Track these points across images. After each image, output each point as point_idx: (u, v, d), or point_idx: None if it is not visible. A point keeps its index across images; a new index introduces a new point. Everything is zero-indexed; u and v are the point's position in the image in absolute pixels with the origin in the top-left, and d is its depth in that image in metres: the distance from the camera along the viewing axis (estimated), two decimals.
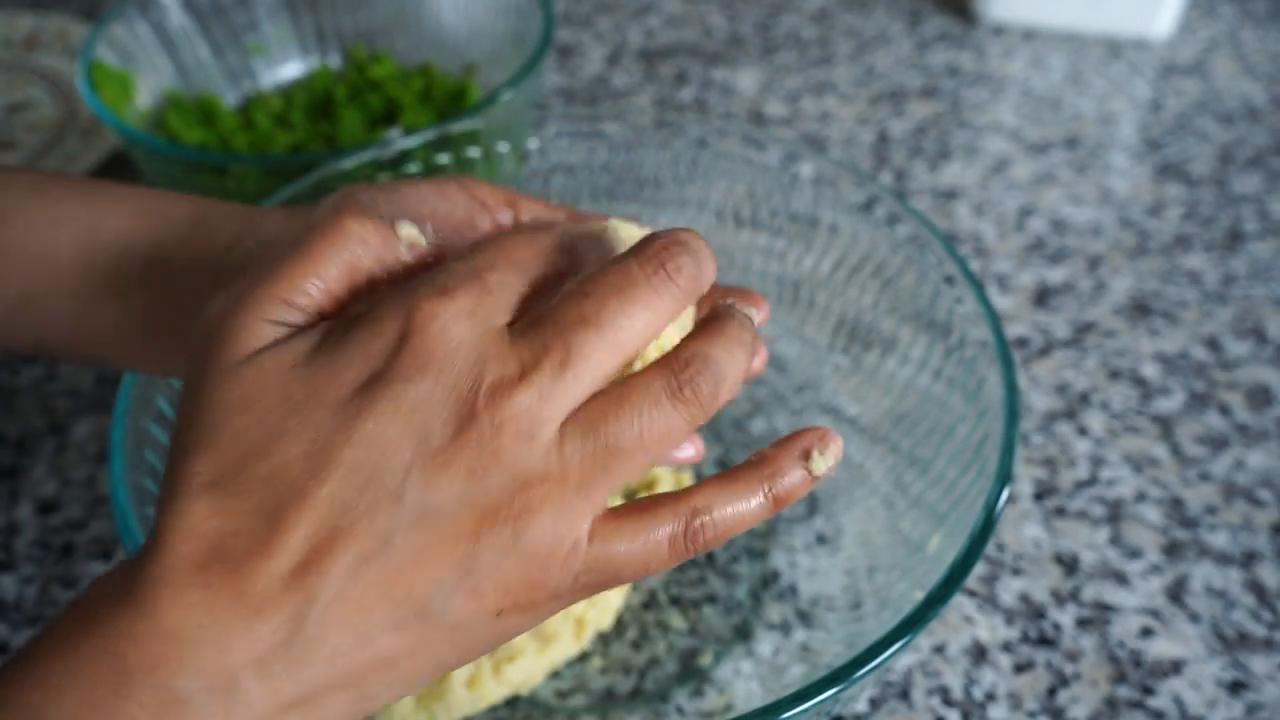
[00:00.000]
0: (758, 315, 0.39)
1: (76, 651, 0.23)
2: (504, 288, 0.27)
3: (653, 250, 0.27)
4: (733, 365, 0.27)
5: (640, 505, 0.27)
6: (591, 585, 0.26)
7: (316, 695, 0.24)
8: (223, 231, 0.36)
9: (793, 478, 0.28)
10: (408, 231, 0.29)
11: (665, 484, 0.51)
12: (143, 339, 0.36)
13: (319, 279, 0.27)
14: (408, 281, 0.27)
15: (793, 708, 0.32)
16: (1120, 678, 0.45)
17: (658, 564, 0.27)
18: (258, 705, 0.23)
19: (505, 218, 0.37)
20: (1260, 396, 0.57)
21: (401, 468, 0.24)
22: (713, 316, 0.29)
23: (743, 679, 0.44)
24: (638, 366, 0.35)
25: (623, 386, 0.26)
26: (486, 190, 0.37)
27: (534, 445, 0.25)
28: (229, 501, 0.24)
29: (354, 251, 0.28)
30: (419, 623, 0.24)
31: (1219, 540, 0.50)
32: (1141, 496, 0.52)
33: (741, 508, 0.27)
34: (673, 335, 0.36)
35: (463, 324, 0.25)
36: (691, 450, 0.37)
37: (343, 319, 0.27)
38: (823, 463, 0.28)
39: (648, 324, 0.27)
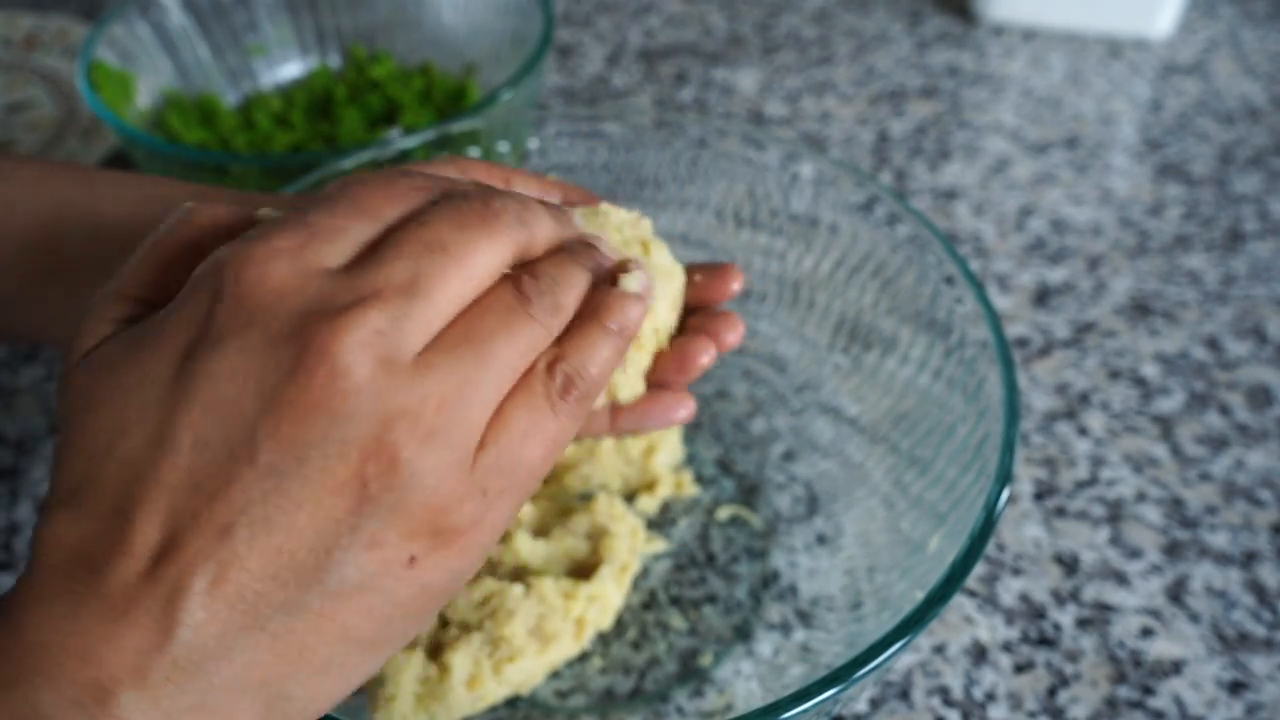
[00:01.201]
0: (734, 286, 0.38)
1: None
2: (339, 232, 0.24)
3: (478, 191, 0.27)
4: (573, 280, 0.27)
5: (510, 392, 0.25)
6: (508, 491, 0.24)
7: (213, 704, 0.22)
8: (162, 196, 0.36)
9: (616, 302, 0.27)
10: (266, 213, 0.27)
11: (666, 484, 0.51)
12: (67, 283, 0.35)
13: (161, 269, 0.26)
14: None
15: (793, 708, 0.32)
16: (1120, 678, 0.45)
17: (555, 436, 0.25)
18: (128, 702, 0.21)
19: None
20: (1260, 396, 0.57)
21: (246, 429, 0.22)
22: (561, 247, 0.28)
23: (743, 679, 0.44)
24: (643, 355, 0.35)
25: (472, 305, 0.25)
26: (481, 169, 0.35)
27: (395, 371, 0.23)
28: (86, 506, 0.22)
29: (198, 237, 0.26)
30: (317, 596, 0.22)
31: (1219, 540, 0.50)
32: (1142, 496, 0.52)
33: (593, 342, 0.26)
34: (668, 315, 0.36)
35: (281, 264, 0.23)
36: (684, 412, 0.37)
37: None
38: (632, 280, 0.28)
39: (492, 254, 0.25)
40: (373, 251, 0.24)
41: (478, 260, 0.25)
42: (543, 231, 0.28)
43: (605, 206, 0.36)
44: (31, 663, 0.21)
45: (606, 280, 0.28)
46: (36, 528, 0.23)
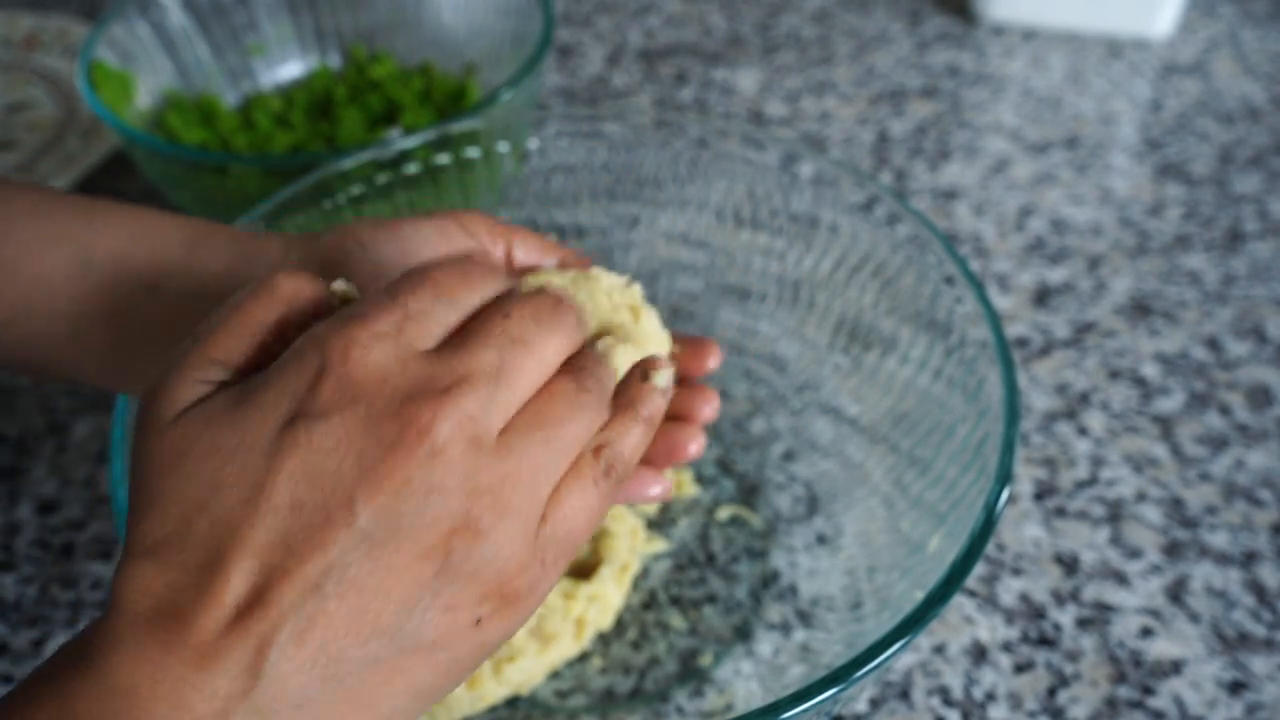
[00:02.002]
0: (712, 363, 0.42)
1: (35, 712, 0.22)
2: (426, 316, 0.27)
3: (548, 298, 0.30)
4: (611, 372, 0.30)
5: (564, 472, 0.28)
6: (560, 559, 0.27)
7: None
8: (219, 257, 0.36)
9: (647, 395, 0.30)
10: (340, 286, 0.30)
11: None
12: (131, 361, 0.36)
13: (249, 336, 0.27)
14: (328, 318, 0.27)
15: (792, 708, 0.32)
16: (1120, 678, 0.45)
17: (597, 510, 0.28)
18: None
19: (498, 252, 0.37)
20: (1260, 396, 0.57)
21: (345, 496, 0.24)
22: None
23: (743, 679, 0.44)
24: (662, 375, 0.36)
25: (541, 391, 0.28)
26: (484, 227, 0.37)
27: (482, 451, 0.25)
28: (173, 558, 0.23)
29: (285, 308, 0.28)
30: (393, 651, 0.24)
31: (1219, 540, 0.50)
32: (1141, 496, 0.52)
33: (629, 430, 0.29)
34: (660, 337, 0.36)
35: (384, 347, 0.25)
36: (658, 489, 0.39)
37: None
38: (661, 377, 0.31)
39: (559, 347, 0.28)
40: (460, 337, 0.27)
41: (548, 352, 0.28)
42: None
43: (596, 271, 0.37)
44: (120, 706, 0.22)
45: (636, 375, 0.31)
46: (117, 576, 0.24)
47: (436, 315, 0.27)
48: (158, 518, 0.24)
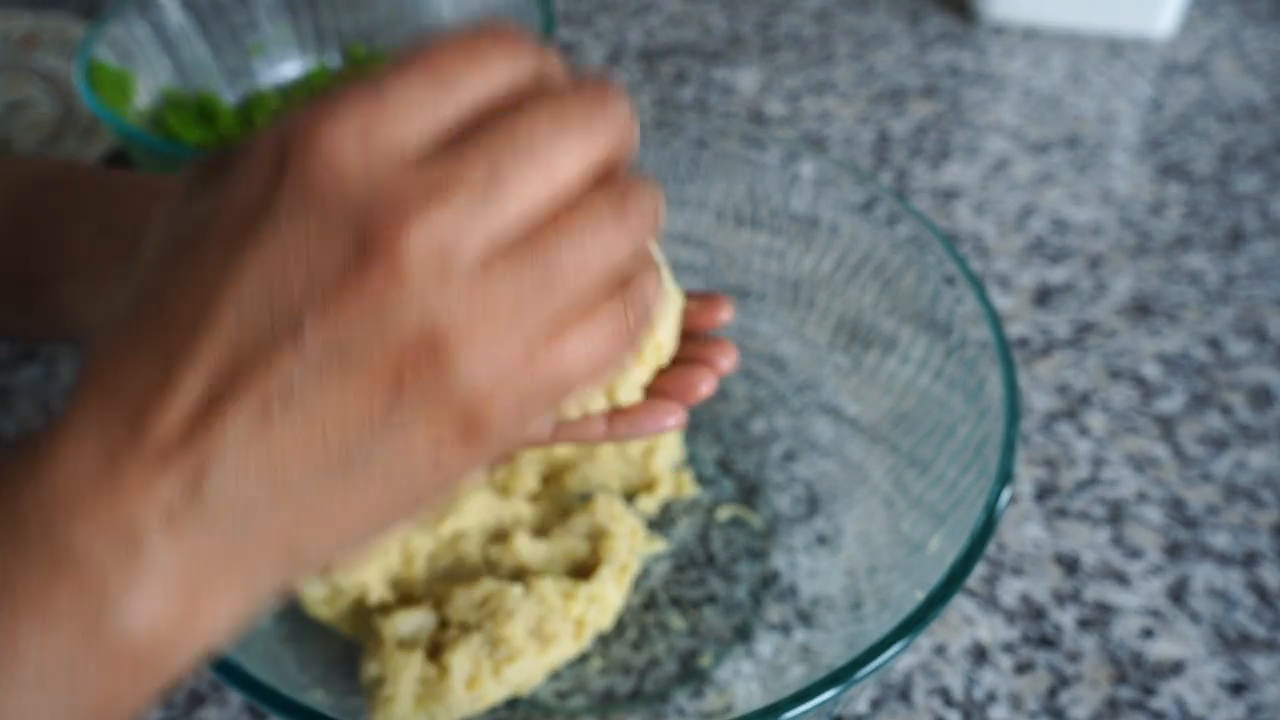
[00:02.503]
0: (724, 315, 0.39)
1: None
2: (413, 106, 0.23)
3: (591, 86, 0.25)
4: (653, 204, 0.27)
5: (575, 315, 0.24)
6: (542, 402, 0.24)
7: (235, 554, 0.23)
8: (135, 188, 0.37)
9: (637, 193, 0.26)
10: None
11: (666, 485, 0.51)
12: (53, 262, 0.36)
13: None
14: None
15: (793, 708, 0.32)
16: (1121, 678, 0.45)
17: (604, 355, 0.25)
18: (166, 565, 0.22)
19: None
20: (1262, 396, 0.57)
21: (292, 316, 0.22)
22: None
23: (743, 679, 0.44)
24: (644, 370, 0.36)
25: (561, 211, 0.24)
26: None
27: (453, 278, 0.22)
28: (130, 350, 0.23)
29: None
30: (344, 472, 0.23)
31: (1220, 541, 0.50)
32: (1142, 497, 0.52)
33: (652, 273, 0.26)
34: (670, 335, 0.37)
35: (348, 145, 0.22)
36: (674, 420, 0.37)
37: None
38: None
39: (582, 156, 0.24)
40: (451, 136, 0.23)
41: (567, 163, 0.24)
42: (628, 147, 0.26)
43: None
44: (66, 498, 0.22)
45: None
46: (81, 368, 0.23)
47: (425, 107, 0.23)
48: (124, 305, 0.24)
